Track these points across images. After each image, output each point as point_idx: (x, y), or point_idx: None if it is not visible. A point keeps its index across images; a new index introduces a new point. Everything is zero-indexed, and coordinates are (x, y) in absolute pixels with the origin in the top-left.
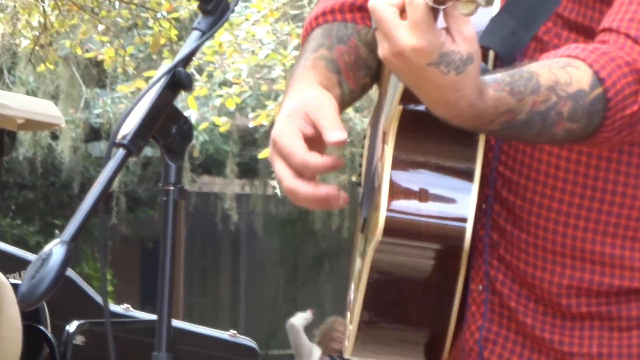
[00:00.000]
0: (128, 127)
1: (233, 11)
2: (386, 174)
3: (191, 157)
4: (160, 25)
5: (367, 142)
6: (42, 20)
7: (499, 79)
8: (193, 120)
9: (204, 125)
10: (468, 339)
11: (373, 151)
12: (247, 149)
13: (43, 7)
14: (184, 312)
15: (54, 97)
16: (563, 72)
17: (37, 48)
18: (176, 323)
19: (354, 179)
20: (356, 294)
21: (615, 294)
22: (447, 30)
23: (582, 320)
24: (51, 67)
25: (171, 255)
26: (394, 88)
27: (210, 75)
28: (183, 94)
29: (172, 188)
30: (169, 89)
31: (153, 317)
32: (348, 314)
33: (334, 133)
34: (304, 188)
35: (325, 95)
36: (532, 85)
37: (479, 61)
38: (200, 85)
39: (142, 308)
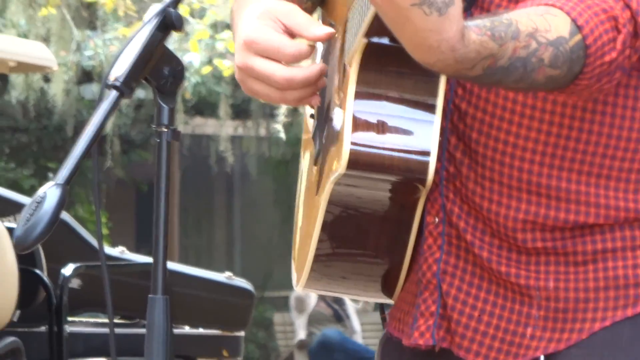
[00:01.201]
0: (120, 69)
1: None
2: (349, 106)
3: (183, 99)
4: None
5: None
6: None
7: (480, 24)
8: (197, 64)
9: (207, 69)
10: (426, 272)
11: (327, 83)
12: (240, 90)
13: None
14: (179, 254)
15: (45, 40)
16: (542, 19)
17: None
18: (172, 265)
19: (307, 115)
20: (306, 227)
21: (570, 229)
22: None
23: (537, 255)
24: (53, 11)
25: (165, 197)
26: (358, 22)
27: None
28: (189, 37)
29: (165, 130)
30: (160, 29)
31: (149, 259)
32: (295, 247)
33: (319, 27)
34: (302, 71)
35: (288, 3)
36: (512, 32)
37: (460, 3)
38: (201, 29)
39: (137, 250)
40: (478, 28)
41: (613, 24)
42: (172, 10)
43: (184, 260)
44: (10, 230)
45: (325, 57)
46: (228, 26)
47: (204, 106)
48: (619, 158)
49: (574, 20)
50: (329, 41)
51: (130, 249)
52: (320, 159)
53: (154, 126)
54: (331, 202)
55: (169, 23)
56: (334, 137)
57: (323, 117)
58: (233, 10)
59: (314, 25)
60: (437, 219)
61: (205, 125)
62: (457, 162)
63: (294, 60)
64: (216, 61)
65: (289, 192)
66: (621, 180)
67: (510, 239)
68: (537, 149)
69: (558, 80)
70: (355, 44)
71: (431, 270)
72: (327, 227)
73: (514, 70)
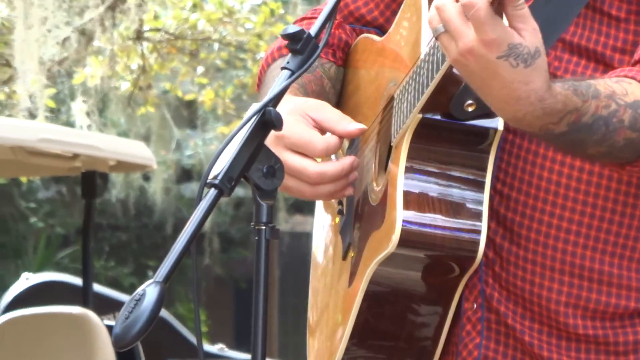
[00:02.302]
0: (219, 167)
1: (322, 51)
2: (399, 184)
3: (283, 198)
4: (260, 66)
5: None
6: (140, 62)
7: (563, 81)
8: None
9: None
10: (466, 357)
11: (353, 182)
12: None
13: (142, 49)
14: (279, 351)
15: (146, 139)
16: (618, 85)
17: (136, 90)
18: None
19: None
20: (333, 318)
21: (611, 315)
22: (510, 26)
23: (577, 341)
24: (151, 109)
25: (264, 294)
26: (410, 101)
27: None
28: None
29: (264, 227)
30: (260, 128)
31: (247, 356)
32: (315, 334)
33: (351, 123)
34: (331, 167)
35: (317, 99)
36: (593, 91)
37: (545, 55)
38: None
39: (236, 348)
40: (562, 83)
41: None
42: (271, 109)
43: (283, 357)
44: (110, 328)
45: (352, 151)
46: None
47: (303, 204)
48: None
49: None
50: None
51: (230, 347)
52: (352, 252)
53: (252, 224)
54: (371, 285)
55: (268, 122)
56: (376, 222)
57: (353, 211)
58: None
59: (345, 121)
60: (475, 305)
61: (304, 223)
62: (497, 247)
63: (323, 155)
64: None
65: None
66: None
67: (553, 321)
68: (582, 232)
69: (635, 145)
70: (409, 120)
71: (472, 355)
72: (362, 314)
73: (597, 129)
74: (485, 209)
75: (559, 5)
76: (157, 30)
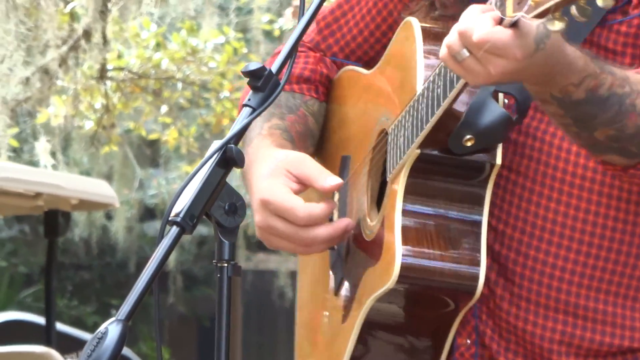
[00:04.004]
0: (181, 205)
1: (283, 88)
2: (397, 220)
3: (246, 235)
4: (223, 105)
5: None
6: (104, 102)
7: (579, 47)
8: None
9: None
10: None
11: (344, 214)
12: None
13: (105, 88)
14: None
15: (108, 178)
16: (632, 74)
17: (100, 130)
18: None
19: None
20: (331, 352)
21: (605, 353)
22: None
23: None
24: (115, 148)
25: (227, 331)
26: (407, 137)
27: None
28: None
29: (226, 265)
30: (221, 166)
31: None
32: None
33: (328, 179)
34: (323, 231)
35: (297, 152)
36: (609, 68)
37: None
38: None
39: None
40: (580, 49)
41: None
42: (232, 146)
43: None
44: None
45: (344, 187)
46: None
47: None
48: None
49: None
50: (346, 168)
51: None
52: (345, 288)
53: (215, 261)
54: (367, 321)
55: (229, 159)
56: (371, 257)
57: (345, 246)
58: (246, 153)
59: (323, 176)
60: (469, 341)
61: (267, 261)
62: (492, 283)
63: (306, 223)
64: None
65: None
66: None
67: None
68: (576, 270)
69: None
70: (405, 157)
71: None
72: (357, 350)
73: (611, 105)
74: (483, 243)
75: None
76: (121, 69)
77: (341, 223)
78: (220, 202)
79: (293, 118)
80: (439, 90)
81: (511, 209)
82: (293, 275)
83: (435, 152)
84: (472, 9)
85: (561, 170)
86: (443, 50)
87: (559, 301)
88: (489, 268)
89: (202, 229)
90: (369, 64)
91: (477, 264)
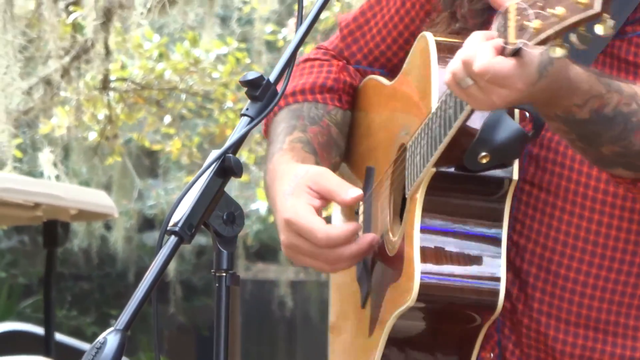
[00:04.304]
0: (179, 215)
1: (281, 97)
2: (415, 238)
3: (245, 245)
4: (226, 116)
5: (360, 219)
6: (107, 112)
7: (587, 68)
8: (263, 212)
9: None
10: None
11: (369, 227)
12: None
13: (108, 99)
14: None
15: (107, 188)
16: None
17: (103, 140)
18: None
19: None
20: None
21: None
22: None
23: None
24: (118, 159)
25: (225, 340)
26: (424, 154)
27: None
28: (252, 183)
29: (224, 274)
30: (219, 175)
31: None
32: None
33: (349, 191)
34: (347, 250)
35: (318, 166)
36: (616, 85)
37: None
38: None
39: None
40: (586, 69)
41: None
42: (230, 155)
43: None
44: None
45: (366, 198)
46: None
47: (265, 252)
48: None
49: None
50: (371, 180)
51: None
52: (370, 301)
53: (213, 271)
54: (391, 337)
55: (227, 169)
56: (393, 273)
57: (370, 259)
58: (267, 183)
59: (343, 190)
60: (492, 355)
61: (267, 271)
62: (514, 299)
63: (325, 244)
64: None
65: None
66: None
67: None
68: (598, 284)
69: None
70: (422, 174)
71: None
72: None
73: (616, 124)
74: (503, 258)
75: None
76: (124, 80)
77: (365, 240)
78: (218, 211)
79: (316, 129)
80: (450, 110)
81: (533, 224)
82: (293, 285)
83: (451, 170)
84: (475, 36)
85: (583, 184)
86: (447, 76)
87: (580, 316)
88: (510, 283)
89: (201, 239)
90: (393, 71)
91: (497, 279)
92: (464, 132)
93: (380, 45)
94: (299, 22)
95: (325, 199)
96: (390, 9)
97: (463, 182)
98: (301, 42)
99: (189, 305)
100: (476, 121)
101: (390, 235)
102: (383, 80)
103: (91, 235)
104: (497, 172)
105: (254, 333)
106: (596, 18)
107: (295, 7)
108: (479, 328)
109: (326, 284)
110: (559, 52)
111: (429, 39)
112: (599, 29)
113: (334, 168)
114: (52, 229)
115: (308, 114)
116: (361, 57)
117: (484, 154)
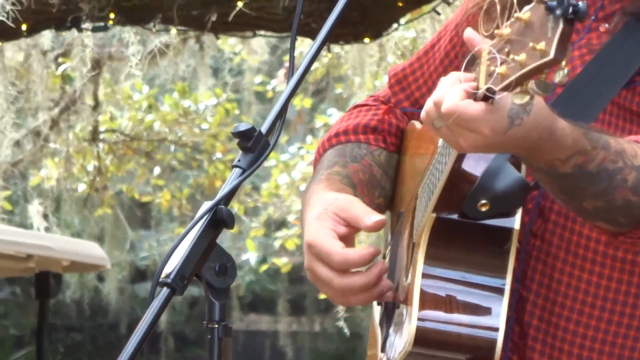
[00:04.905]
0: (171, 266)
1: (273, 148)
2: (416, 283)
3: (238, 297)
4: (216, 167)
5: (386, 260)
6: (96, 164)
7: (577, 122)
8: (253, 262)
9: (264, 266)
10: None
11: (393, 269)
12: (294, 287)
13: (98, 151)
14: None
15: (99, 239)
16: (628, 145)
17: (92, 192)
18: None
19: (375, 302)
20: None
21: None
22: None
23: None
24: (108, 211)
25: None
26: (426, 199)
27: (268, 217)
28: (244, 234)
29: (216, 326)
30: (211, 227)
31: None
32: None
33: (372, 217)
34: (357, 279)
35: (347, 194)
36: (604, 142)
37: (535, 102)
38: (256, 227)
39: None
40: (574, 124)
41: None
42: (222, 207)
43: None
44: None
45: (394, 245)
46: (283, 224)
47: (258, 303)
48: None
49: None
50: (400, 224)
51: None
52: (387, 345)
53: (205, 322)
54: None
55: (219, 220)
56: (403, 317)
57: (391, 303)
58: (303, 199)
59: (366, 216)
60: None
61: (259, 322)
62: (521, 352)
63: (341, 267)
64: (273, 259)
65: None
66: None
67: None
68: (607, 340)
69: (633, 209)
70: (424, 220)
71: None
72: None
73: (600, 180)
74: (504, 309)
75: (583, 102)
76: (113, 131)
77: (374, 270)
78: (210, 263)
79: (357, 167)
80: (443, 155)
81: (535, 275)
82: (288, 335)
83: (452, 217)
84: (450, 77)
85: (585, 236)
86: (422, 115)
87: None
88: (518, 335)
89: (194, 290)
90: None
91: (496, 329)
92: (463, 178)
93: (426, 95)
94: (291, 74)
95: (351, 226)
96: (435, 60)
97: (465, 231)
98: (293, 92)
99: (180, 356)
100: (477, 168)
101: (404, 278)
102: (417, 124)
103: (84, 287)
104: (499, 222)
105: None
106: (552, 64)
107: (285, 58)
108: None
109: (319, 333)
110: (522, 98)
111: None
112: (555, 77)
113: (378, 208)
114: (44, 280)
115: (350, 153)
116: (408, 105)
117: (483, 201)
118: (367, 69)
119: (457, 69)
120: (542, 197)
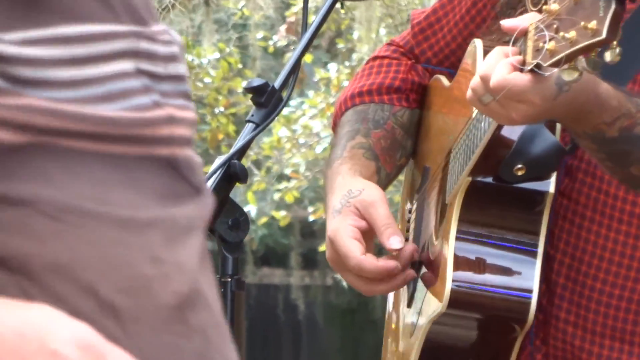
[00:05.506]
0: None
1: (286, 104)
2: (450, 245)
3: (252, 250)
4: (218, 121)
5: (412, 217)
6: None
7: (616, 86)
8: (253, 215)
9: (263, 219)
10: None
11: (420, 226)
12: (306, 241)
13: None
14: None
15: None
16: None
17: None
18: None
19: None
20: None
21: None
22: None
23: None
24: None
25: None
26: (462, 161)
27: (268, 170)
28: (241, 188)
29: (229, 280)
30: (225, 181)
31: None
32: None
33: (391, 240)
34: (380, 287)
35: (372, 188)
36: None
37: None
38: (258, 180)
39: None
40: (614, 86)
41: None
42: (235, 161)
43: None
44: None
45: (420, 203)
46: (283, 177)
47: (271, 257)
48: None
49: None
50: (412, 184)
51: None
52: (415, 301)
53: (218, 276)
54: (427, 342)
55: (232, 175)
56: (432, 277)
57: (418, 260)
58: (325, 189)
59: (387, 233)
60: None
61: (272, 276)
62: (547, 311)
63: (357, 273)
64: (272, 212)
65: (355, 341)
66: None
67: None
68: (633, 298)
69: None
70: (459, 182)
71: None
72: None
73: None
74: (537, 271)
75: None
76: None
77: (396, 281)
78: (223, 217)
79: (379, 134)
80: (480, 121)
81: (562, 234)
82: (301, 289)
83: (487, 180)
84: (496, 52)
85: (612, 195)
86: (469, 92)
87: (605, 326)
88: (542, 295)
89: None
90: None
91: (530, 291)
92: (500, 143)
93: (451, 44)
94: (304, 29)
95: (370, 229)
96: (461, 9)
97: (499, 194)
98: (307, 48)
99: None
100: (513, 133)
101: (434, 238)
102: (444, 81)
103: None
104: (534, 185)
105: (259, 338)
106: (604, 44)
107: (287, 13)
108: (513, 339)
109: (332, 287)
110: (571, 75)
111: (477, 45)
112: (607, 55)
113: (399, 170)
114: None
115: (373, 116)
116: (431, 54)
117: (519, 166)
118: (374, 25)
119: (484, 18)
120: (574, 158)
